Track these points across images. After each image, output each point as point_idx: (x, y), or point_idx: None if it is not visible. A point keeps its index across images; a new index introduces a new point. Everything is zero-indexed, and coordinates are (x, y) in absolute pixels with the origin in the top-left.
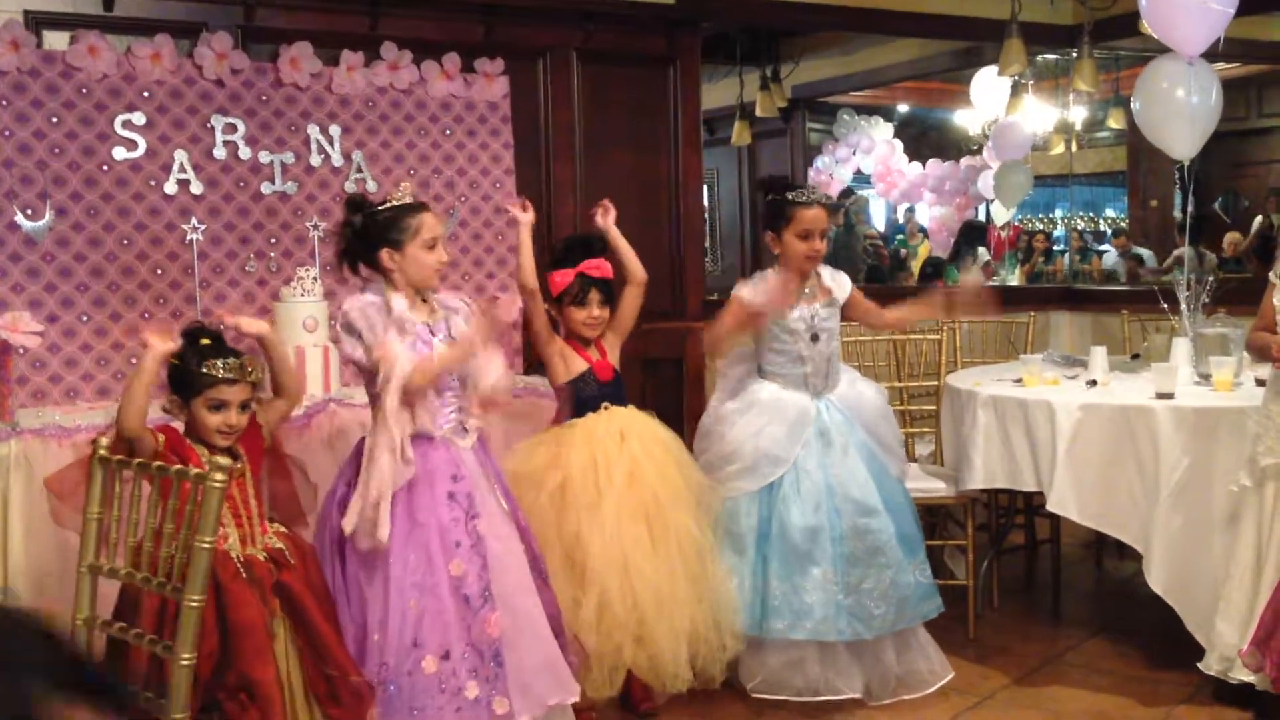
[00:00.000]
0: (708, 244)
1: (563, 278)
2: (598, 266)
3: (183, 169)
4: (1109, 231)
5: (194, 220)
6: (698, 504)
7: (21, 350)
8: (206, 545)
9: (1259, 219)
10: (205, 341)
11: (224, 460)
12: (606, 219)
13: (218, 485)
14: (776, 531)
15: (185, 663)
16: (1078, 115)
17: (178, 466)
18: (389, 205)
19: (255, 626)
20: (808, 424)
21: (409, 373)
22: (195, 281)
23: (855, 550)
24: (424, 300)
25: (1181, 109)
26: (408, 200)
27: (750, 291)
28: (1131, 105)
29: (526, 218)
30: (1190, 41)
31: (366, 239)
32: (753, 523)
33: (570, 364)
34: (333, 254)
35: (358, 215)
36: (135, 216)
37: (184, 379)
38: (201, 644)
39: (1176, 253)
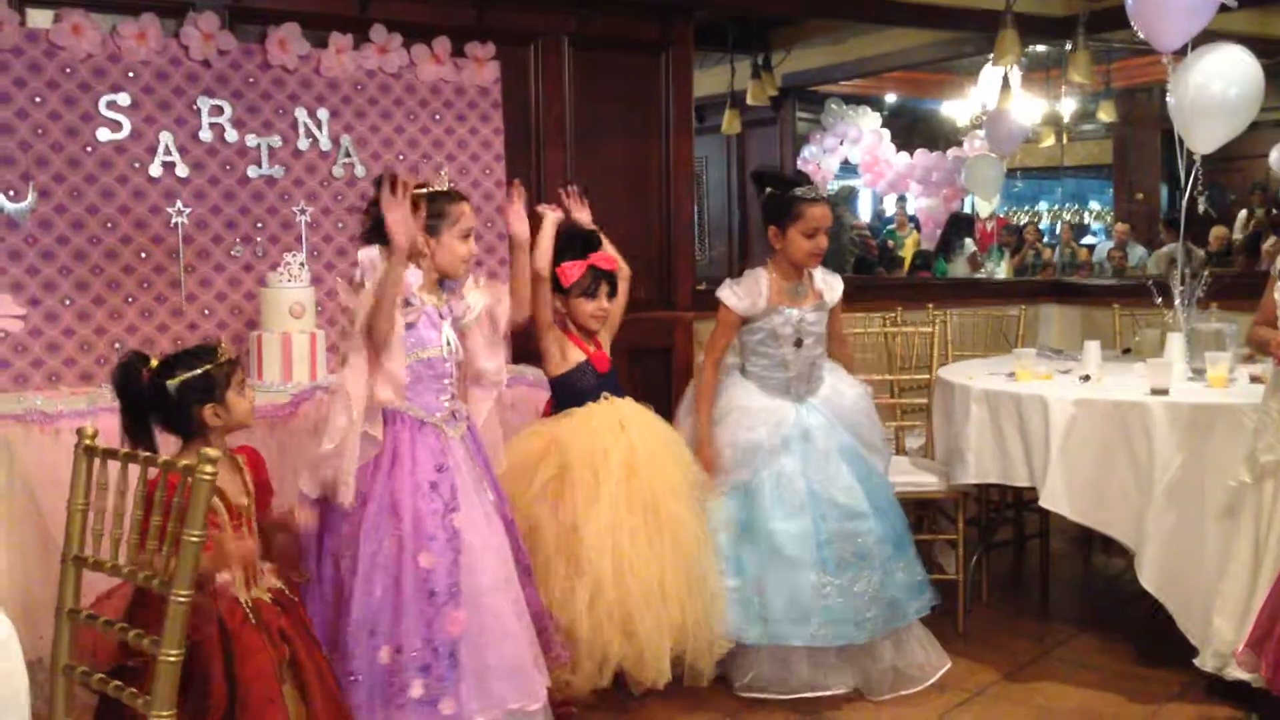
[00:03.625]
0: (696, 233)
1: (574, 270)
2: (607, 259)
3: (168, 151)
4: (1099, 226)
5: (179, 204)
6: (695, 498)
7: (3, 334)
8: (195, 539)
9: (1244, 213)
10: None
11: (213, 451)
12: (585, 213)
13: (207, 477)
14: (761, 536)
15: (172, 659)
16: (1067, 108)
17: (164, 457)
18: (430, 189)
19: (265, 674)
20: (787, 427)
21: (364, 310)
22: (180, 266)
23: (843, 554)
24: (439, 285)
25: (1215, 102)
26: (448, 187)
27: (732, 294)
28: (1167, 98)
29: (555, 216)
30: (1169, 35)
31: None
32: (731, 526)
33: (568, 355)
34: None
35: None
36: (119, 199)
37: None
38: (210, 699)
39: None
